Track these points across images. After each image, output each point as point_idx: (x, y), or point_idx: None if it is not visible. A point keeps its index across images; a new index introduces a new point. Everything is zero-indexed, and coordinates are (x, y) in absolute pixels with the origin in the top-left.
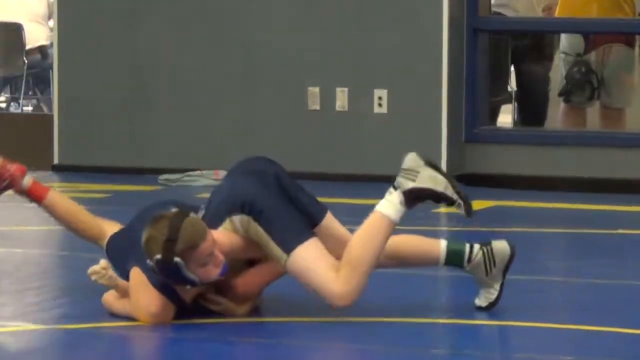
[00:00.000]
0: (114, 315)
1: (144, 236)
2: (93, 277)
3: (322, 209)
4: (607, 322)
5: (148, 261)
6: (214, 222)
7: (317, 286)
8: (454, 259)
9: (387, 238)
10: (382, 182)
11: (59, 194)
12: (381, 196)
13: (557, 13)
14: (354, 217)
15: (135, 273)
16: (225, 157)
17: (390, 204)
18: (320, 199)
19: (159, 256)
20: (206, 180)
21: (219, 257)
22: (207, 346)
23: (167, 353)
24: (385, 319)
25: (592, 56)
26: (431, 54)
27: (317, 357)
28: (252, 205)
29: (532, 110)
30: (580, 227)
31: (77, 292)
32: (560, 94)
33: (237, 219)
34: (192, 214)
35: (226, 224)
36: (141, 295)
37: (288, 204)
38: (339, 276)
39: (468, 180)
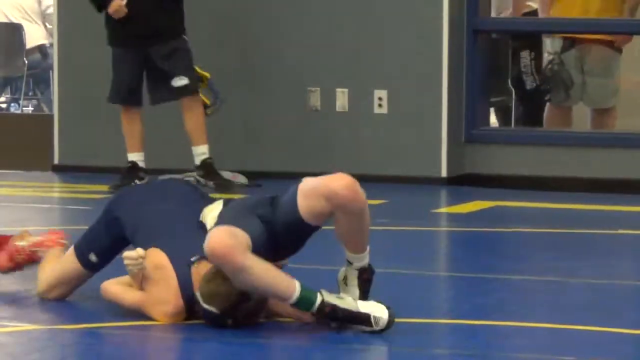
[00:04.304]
0: (114, 314)
1: (210, 286)
2: (126, 262)
3: None
4: (606, 322)
5: (198, 294)
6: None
7: None
8: (303, 304)
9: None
10: (382, 182)
11: None
12: (380, 196)
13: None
14: None
15: (162, 262)
16: (225, 157)
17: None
18: None
19: (216, 311)
20: None
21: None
22: (207, 346)
23: (168, 353)
24: None
25: (572, 55)
26: (431, 54)
27: (317, 357)
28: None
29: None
30: (580, 227)
31: (76, 292)
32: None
33: None
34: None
35: None
36: (163, 291)
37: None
38: None
39: (468, 180)
